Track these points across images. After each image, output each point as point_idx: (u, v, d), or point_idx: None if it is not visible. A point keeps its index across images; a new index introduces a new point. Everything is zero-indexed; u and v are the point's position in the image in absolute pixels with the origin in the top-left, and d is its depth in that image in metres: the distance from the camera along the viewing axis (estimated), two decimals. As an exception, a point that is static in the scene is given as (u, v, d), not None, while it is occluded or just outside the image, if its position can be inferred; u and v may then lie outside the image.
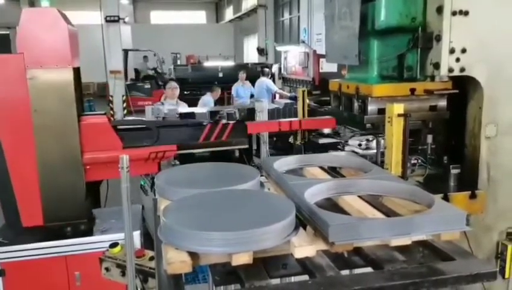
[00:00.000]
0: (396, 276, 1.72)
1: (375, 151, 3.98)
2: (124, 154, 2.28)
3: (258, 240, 1.74)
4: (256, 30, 24.01)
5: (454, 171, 3.63)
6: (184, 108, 6.52)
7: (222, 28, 32.23)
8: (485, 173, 3.52)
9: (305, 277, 1.81)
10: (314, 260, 1.84)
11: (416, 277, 1.72)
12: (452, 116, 3.67)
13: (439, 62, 3.30)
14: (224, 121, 4.42)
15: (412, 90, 3.52)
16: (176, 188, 2.29)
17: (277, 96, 11.73)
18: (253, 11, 24.33)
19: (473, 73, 3.36)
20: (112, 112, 15.28)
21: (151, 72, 19.80)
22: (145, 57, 20.90)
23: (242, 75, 11.88)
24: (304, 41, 14.46)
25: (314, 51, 10.37)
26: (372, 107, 3.59)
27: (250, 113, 5.23)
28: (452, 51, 3.27)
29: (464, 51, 3.27)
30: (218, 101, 10.19)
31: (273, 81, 12.67)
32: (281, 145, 5.56)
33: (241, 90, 11.69)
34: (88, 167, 3.88)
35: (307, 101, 5.05)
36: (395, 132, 3.19)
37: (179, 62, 22.05)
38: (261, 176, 2.69)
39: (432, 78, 3.46)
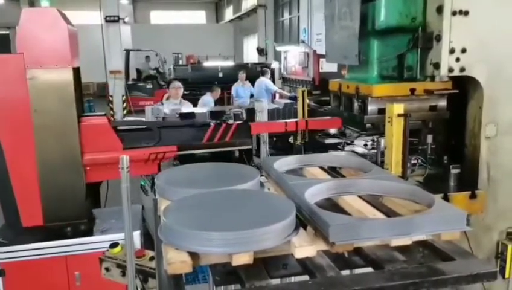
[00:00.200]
0: (396, 276, 1.72)
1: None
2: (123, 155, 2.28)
3: (258, 240, 1.74)
4: (256, 30, 24.01)
5: (454, 171, 3.63)
6: (188, 108, 6.52)
7: (222, 28, 32.23)
8: (485, 173, 3.52)
9: (306, 277, 1.81)
10: (315, 260, 1.84)
11: (416, 277, 1.72)
12: (452, 116, 3.67)
13: (439, 62, 3.30)
14: (231, 121, 4.39)
15: (412, 90, 3.53)
16: (176, 188, 2.28)
17: (277, 96, 11.73)
18: (253, 11, 24.32)
19: (473, 73, 3.36)
20: (111, 112, 15.28)
21: (152, 72, 19.79)
22: (147, 57, 20.89)
23: (242, 75, 11.89)
24: (303, 41, 14.45)
25: (314, 51, 10.36)
26: (372, 107, 3.59)
27: (250, 113, 5.23)
28: (452, 51, 3.28)
29: (464, 50, 3.27)
30: (218, 101, 10.19)
31: (273, 80, 12.66)
32: (281, 145, 5.56)
33: (241, 90, 11.70)
34: (88, 168, 3.88)
35: (307, 101, 5.04)
36: (395, 131, 3.19)
37: (180, 62, 22.00)
38: (261, 176, 2.69)
39: (432, 78, 3.46)
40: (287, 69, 11.91)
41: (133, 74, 19.51)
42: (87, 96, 18.75)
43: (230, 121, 4.41)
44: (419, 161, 3.76)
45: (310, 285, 1.71)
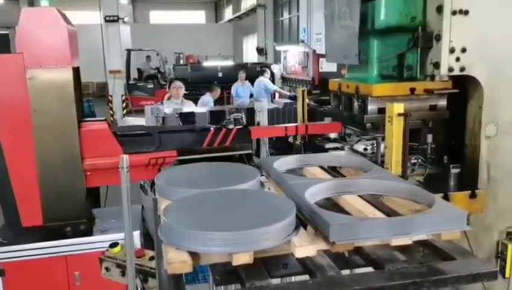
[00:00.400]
0: (396, 276, 1.72)
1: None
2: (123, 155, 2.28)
3: (258, 240, 1.74)
4: (255, 30, 24.01)
5: (454, 170, 3.63)
6: (190, 107, 6.52)
7: (221, 28, 32.22)
8: (485, 173, 3.52)
9: (306, 277, 1.81)
10: (315, 259, 1.84)
11: (416, 277, 1.71)
12: (452, 116, 3.67)
13: (439, 61, 3.30)
14: (231, 126, 4.40)
15: (412, 90, 3.52)
16: (176, 188, 2.28)
17: (276, 95, 11.74)
18: (253, 10, 24.32)
19: (473, 72, 3.36)
20: (111, 111, 15.27)
21: (153, 72, 19.78)
22: (148, 57, 20.87)
23: (242, 75, 11.89)
24: (303, 41, 14.46)
25: (314, 51, 10.37)
26: (372, 107, 3.59)
27: (250, 113, 5.23)
28: (452, 51, 3.28)
29: (463, 50, 3.27)
30: (218, 101, 10.19)
31: (273, 81, 12.65)
32: (281, 145, 5.56)
33: (241, 90, 11.70)
34: (88, 173, 3.88)
35: (307, 100, 5.04)
36: (395, 131, 3.19)
37: (182, 62, 21.97)
38: (261, 175, 2.69)
39: (432, 77, 3.46)
40: (287, 69, 11.92)
41: (134, 74, 19.52)
42: (86, 96, 18.71)
43: (230, 126, 4.42)
44: (419, 160, 3.76)
45: (310, 285, 1.71)
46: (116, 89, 15.52)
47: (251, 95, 11.55)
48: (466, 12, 3.24)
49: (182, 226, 1.81)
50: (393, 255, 1.88)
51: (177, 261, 1.71)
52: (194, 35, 27.87)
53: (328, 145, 4.66)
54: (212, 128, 4.31)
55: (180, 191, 2.24)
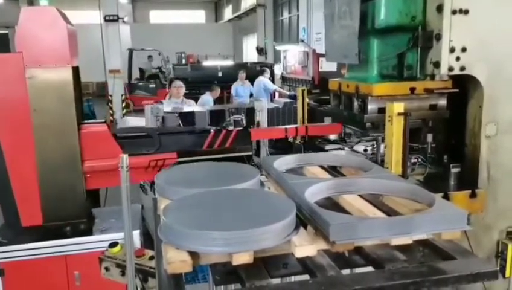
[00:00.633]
0: (397, 275, 1.72)
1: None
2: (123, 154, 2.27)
3: (258, 240, 1.73)
4: (255, 29, 24.01)
5: (454, 170, 3.62)
6: (191, 106, 6.52)
7: (221, 28, 32.22)
8: (485, 172, 3.51)
9: (306, 277, 1.81)
10: (315, 259, 1.84)
11: (417, 276, 1.71)
12: (452, 115, 3.66)
13: (439, 61, 3.29)
14: (231, 128, 4.40)
15: (412, 89, 3.52)
16: (176, 188, 2.28)
17: (276, 95, 11.73)
18: (253, 10, 24.32)
19: (473, 72, 3.35)
20: (111, 111, 15.27)
21: (155, 72, 19.78)
22: (149, 57, 20.87)
23: (242, 74, 11.89)
24: (303, 41, 14.45)
25: (314, 50, 10.35)
26: (372, 106, 3.58)
27: (250, 112, 5.23)
28: (452, 50, 3.27)
29: (464, 49, 3.27)
30: (218, 101, 10.19)
31: (273, 80, 12.64)
32: (281, 144, 5.56)
33: (241, 89, 11.70)
34: (88, 175, 3.88)
35: (307, 100, 5.04)
36: (395, 131, 3.19)
37: (184, 61, 21.96)
38: (261, 175, 2.69)
39: (432, 77, 3.45)
40: (287, 69, 11.91)
41: (136, 74, 19.53)
42: (86, 95, 18.71)
43: (230, 128, 4.42)
44: (420, 159, 3.76)
45: (311, 284, 1.71)
46: (116, 89, 15.52)
47: (251, 95, 11.55)
48: (466, 12, 3.24)
49: (181, 225, 1.81)
50: (393, 254, 1.87)
51: (176, 260, 1.71)
52: (194, 35, 27.88)
53: (328, 147, 4.66)
54: (212, 130, 4.31)
55: (180, 190, 2.24)
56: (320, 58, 9.73)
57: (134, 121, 8.05)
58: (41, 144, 3.69)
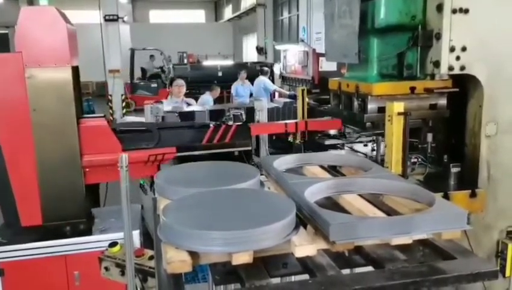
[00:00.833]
0: (397, 275, 1.71)
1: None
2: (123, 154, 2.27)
3: (258, 239, 1.73)
4: (255, 29, 24.00)
5: (454, 169, 3.62)
6: (191, 106, 6.51)
7: (221, 27, 32.21)
8: (485, 172, 3.51)
9: (306, 276, 1.81)
10: (315, 259, 1.83)
11: (417, 276, 1.71)
12: (452, 115, 3.66)
13: (439, 60, 3.29)
14: (230, 123, 4.39)
15: (412, 89, 3.52)
16: (176, 187, 2.27)
17: (276, 94, 11.72)
18: (252, 10, 24.31)
19: (473, 71, 3.35)
20: (110, 111, 15.27)
21: (157, 71, 19.79)
22: (152, 56, 20.85)
23: (243, 74, 11.88)
24: (303, 40, 14.45)
25: (314, 50, 10.34)
26: (372, 106, 3.58)
27: (250, 112, 5.22)
28: (452, 49, 3.27)
29: (464, 49, 3.27)
30: (218, 100, 10.17)
31: (273, 80, 12.63)
32: (280, 144, 5.55)
33: (241, 89, 11.69)
34: (87, 169, 3.87)
35: (307, 99, 5.04)
36: (395, 130, 3.18)
37: (185, 61, 21.94)
38: (261, 175, 2.68)
39: (432, 76, 3.46)
40: (287, 68, 11.90)
41: (137, 73, 19.53)
42: (86, 95, 18.73)
43: (230, 122, 4.41)
44: (420, 159, 3.75)
45: (310, 284, 1.70)
46: (116, 89, 15.52)
47: (251, 95, 11.54)
48: (466, 11, 3.23)
49: (181, 225, 1.81)
50: (393, 254, 1.87)
51: (176, 260, 1.70)
52: (193, 35, 27.87)
53: (327, 142, 4.66)
54: (211, 125, 4.30)
55: (180, 190, 2.23)
56: (320, 58, 9.72)
57: (134, 121, 8.04)
58: (40, 144, 3.69)
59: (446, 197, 3.32)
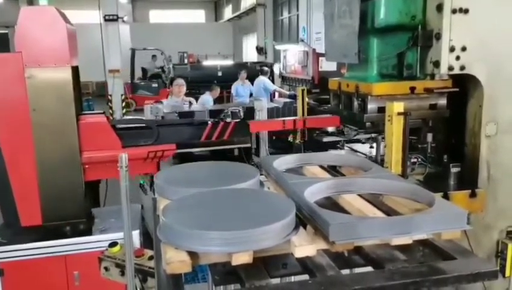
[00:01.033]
0: (396, 275, 1.71)
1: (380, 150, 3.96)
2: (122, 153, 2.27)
3: (258, 240, 1.73)
4: (255, 29, 23.99)
5: (454, 169, 3.62)
6: (192, 104, 6.52)
7: (221, 27, 32.21)
8: (485, 172, 3.51)
9: (306, 277, 1.81)
10: (315, 259, 1.83)
11: (417, 276, 1.71)
12: (452, 115, 3.66)
13: (439, 60, 3.29)
14: (229, 120, 4.38)
15: (412, 89, 3.51)
16: (176, 187, 2.27)
17: (276, 94, 11.73)
18: (252, 9, 24.31)
19: (473, 71, 3.35)
20: (110, 110, 15.27)
21: (158, 71, 19.79)
22: (153, 56, 20.84)
23: (243, 74, 11.88)
24: (303, 40, 14.45)
25: (314, 50, 10.34)
26: (372, 106, 3.58)
27: (250, 112, 5.22)
28: (452, 49, 3.26)
29: (464, 49, 3.26)
30: (218, 100, 10.17)
31: (273, 80, 12.62)
32: (280, 144, 5.55)
33: (241, 89, 11.69)
34: (87, 166, 3.87)
35: (306, 99, 5.04)
36: (395, 130, 3.18)
37: (186, 61, 21.93)
38: (261, 175, 2.68)
39: (432, 76, 3.45)
40: (286, 68, 11.90)
41: (138, 73, 19.52)
42: (86, 95, 18.73)
43: (228, 119, 4.41)
44: (419, 159, 3.75)
45: (310, 284, 1.70)
46: (116, 89, 15.53)
47: (251, 94, 11.54)
48: (466, 11, 3.23)
49: (181, 225, 1.81)
50: (393, 254, 1.87)
51: (176, 260, 1.70)
52: (193, 35, 27.86)
53: (325, 139, 4.65)
54: (210, 122, 4.30)
55: (180, 190, 2.23)
56: (320, 58, 9.73)
57: (134, 121, 8.04)
58: (40, 144, 3.69)
59: (446, 197, 3.31)
